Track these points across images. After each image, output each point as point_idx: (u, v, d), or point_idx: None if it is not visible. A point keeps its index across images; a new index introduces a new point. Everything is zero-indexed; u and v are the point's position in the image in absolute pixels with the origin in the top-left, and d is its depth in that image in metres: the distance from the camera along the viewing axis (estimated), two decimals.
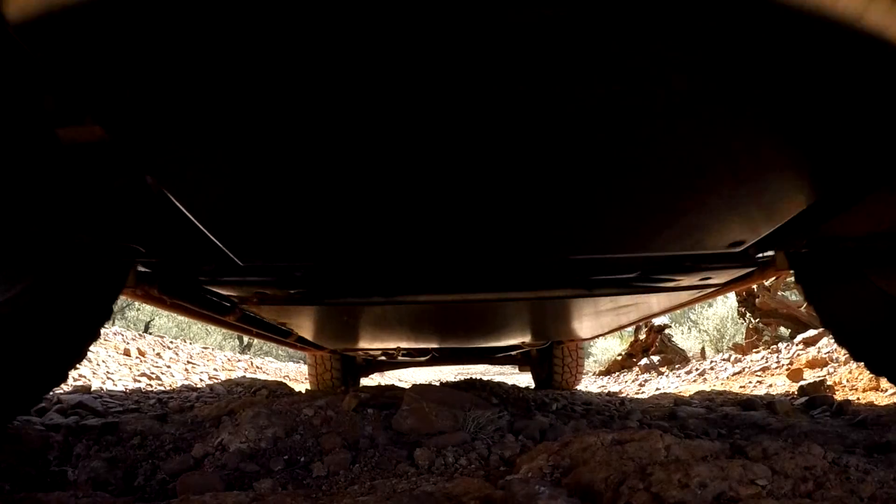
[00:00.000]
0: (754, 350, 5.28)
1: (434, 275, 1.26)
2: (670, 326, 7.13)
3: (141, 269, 1.30)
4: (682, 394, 3.51)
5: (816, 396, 2.61)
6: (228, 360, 6.21)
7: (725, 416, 2.25)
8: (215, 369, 4.97)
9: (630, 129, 0.64)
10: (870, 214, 1.11)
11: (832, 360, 3.59)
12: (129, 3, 0.44)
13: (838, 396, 2.77)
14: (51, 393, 2.41)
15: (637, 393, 4.12)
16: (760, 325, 5.94)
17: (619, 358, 7.31)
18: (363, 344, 2.09)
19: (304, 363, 5.08)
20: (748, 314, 6.13)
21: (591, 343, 8.28)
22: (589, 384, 6.39)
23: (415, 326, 1.72)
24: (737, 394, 3.21)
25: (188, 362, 4.98)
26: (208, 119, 0.59)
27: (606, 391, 4.45)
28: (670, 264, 1.30)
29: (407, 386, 2.16)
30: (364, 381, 5.10)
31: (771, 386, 3.53)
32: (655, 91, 0.56)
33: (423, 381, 3.55)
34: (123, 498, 1.10)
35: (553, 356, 3.88)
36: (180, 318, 11.52)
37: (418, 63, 0.52)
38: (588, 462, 1.04)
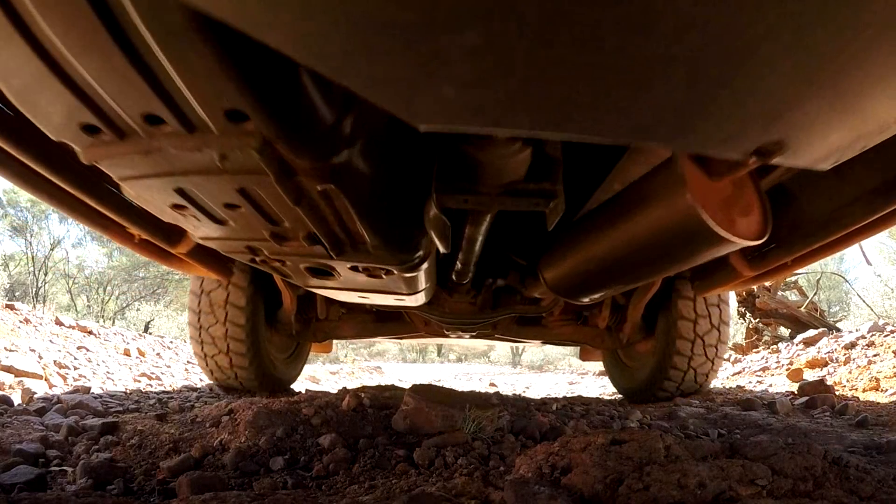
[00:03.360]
0: (754, 350, 5.28)
1: None
2: None
3: None
4: None
5: (816, 396, 2.60)
6: None
7: (725, 416, 2.25)
8: None
9: None
10: None
11: (832, 360, 3.59)
12: None
13: (838, 396, 2.77)
14: (51, 392, 2.40)
15: None
16: (760, 325, 5.95)
17: None
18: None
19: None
20: (748, 314, 6.13)
21: None
22: (589, 384, 6.38)
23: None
24: (737, 393, 3.21)
25: (188, 362, 4.98)
26: None
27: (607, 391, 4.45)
28: None
29: (407, 386, 2.16)
30: (365, 382, 5.08)
31: (771, 386, 3.52)
32: None
33: (423, 381, 3.53)
34: (123, 498, 1.10)
35: (674, 320, 2.11)
36: (180, 317, 11.47)
37: None
38: (587, 462, 1.04)
